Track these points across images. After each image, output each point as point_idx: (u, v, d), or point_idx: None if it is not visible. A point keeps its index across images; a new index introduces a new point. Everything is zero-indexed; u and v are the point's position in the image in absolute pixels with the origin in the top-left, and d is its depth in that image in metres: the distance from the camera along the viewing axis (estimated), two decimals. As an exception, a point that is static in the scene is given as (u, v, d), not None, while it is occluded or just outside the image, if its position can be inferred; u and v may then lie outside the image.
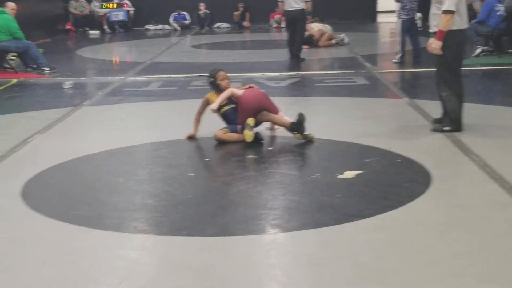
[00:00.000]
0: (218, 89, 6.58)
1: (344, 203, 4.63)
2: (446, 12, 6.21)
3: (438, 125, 6.63)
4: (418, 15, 11.75)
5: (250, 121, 6.22)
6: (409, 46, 11.75)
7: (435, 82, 6.67)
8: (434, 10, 6.41)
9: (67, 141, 6.78)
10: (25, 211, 4.64)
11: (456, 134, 6.39)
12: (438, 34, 6.28)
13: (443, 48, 6.31)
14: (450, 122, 6.54)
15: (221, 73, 6.60)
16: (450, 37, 6.30)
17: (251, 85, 6.83)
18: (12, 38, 12.00)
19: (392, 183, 5.10)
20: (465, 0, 6.48)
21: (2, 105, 9.06)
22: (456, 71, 6.51)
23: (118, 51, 17.13)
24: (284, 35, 18.27)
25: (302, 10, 12.24)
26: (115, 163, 5.90)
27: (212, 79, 6.62)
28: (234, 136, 6.38)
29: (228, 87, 6.55)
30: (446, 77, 6.50)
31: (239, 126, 6.38)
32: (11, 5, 12.38)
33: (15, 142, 6.58)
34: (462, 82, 6.60)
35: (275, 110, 6.51)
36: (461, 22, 6.36)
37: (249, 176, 5.40)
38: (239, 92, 6.49)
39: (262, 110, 6.41)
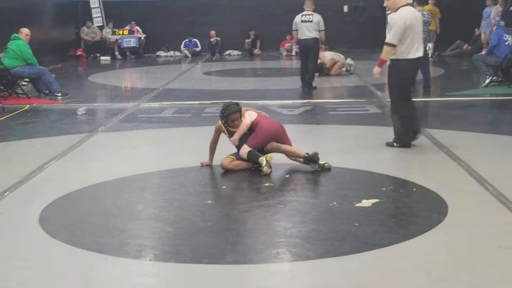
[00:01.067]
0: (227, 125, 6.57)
1: (363, 231, 4.65)
2: (387, 44, 7.02)
3: (391, 142, 7.37)
4: (429, 45, 11.79)
5: (270, 158, 6.26)
6: (418, 76, 11.79)
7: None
8: None
9: (84, 167, 6.85)
10: (44, 238, 4.67)
11: (470, 163, 6.41)
12: (379, 61, 7.15)
13: (390, 75, 7.20)
14: (396, 139, 7.31)
15: (232, 117, 6.42)
16: (394, 66, 7.13)
17: (265, 114, 6.84)
18: (26, 64, 12.15)
19: (409, 212, 5.12)
20: (418, 32, 7.13)
21: (17, 130, 9.12)
22: (401, 96, 7.23)
23: (130, 77, 17.26)
24: (294, 63, 18.49)
25: (315, 39, 12.38)
26: (133, 190, 5.94)
27: (223, 117, 6.49)
28: (241, 164, 6.42)
29: (239, 125, 6.49)
30: (393, 101, 7.36)
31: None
32: (25, 31, 12.51)
33: (31, 168, 6.63)
34: (409, 106, 7.30)
35: (288, 143, 6.56)
36: (406, 53, 7.03)
37: (267, 204, 5.41)
38: (253, 117, 6.51)
39: (275, 141, 6.47)
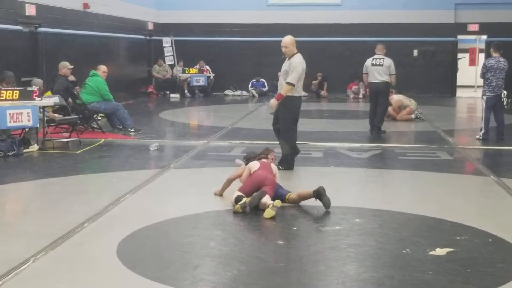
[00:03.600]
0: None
1: (437, 280, 4.59)
2: (288, 83, 8.42)
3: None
4: (504, 92, 11.58)
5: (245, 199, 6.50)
6: (492, 123, 11.61)
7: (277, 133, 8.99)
8: (281, 79, 8.63)
9: (157, 202, 7.00)
10: (122, 270, 4.79)
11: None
12: (278, 96, 8.56)
13: (284, 108, 8.60)
14: (283, 162, 8.63)
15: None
16: (288, 101, 8.52)
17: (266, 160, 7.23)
18: (102, 99, 12.57)
19: (485, 262, 5.02)
20: (303, 78, 8.64)
21: (94, 164, 9.43)
22: (290, 126, 8.73)
23: (199, 116, 17.57)
24: (361, 106, 18.47)
25: (386, 82, 12.41)
26: (205, 227, 6.03)
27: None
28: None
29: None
30: (286, 130, 8.72)
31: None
32: (102, 68, 12.99)
33: (108, 201, 6.83)
34: (293, 135, 8.81)
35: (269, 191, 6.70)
36: (297, 92, 8.58)
37: (338, 247, 5.41)
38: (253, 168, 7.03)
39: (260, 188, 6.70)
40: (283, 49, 8.56)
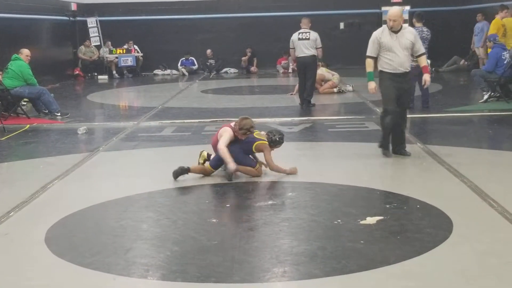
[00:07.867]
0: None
1: (368, 249, 4.66)
2: (424, 54, 8.01)
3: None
4: (428, 61, 11.82)
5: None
6: (417, 92, 11.86)
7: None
8: (404, 53, 7.77)
9: (87, 187, 6.85)
10: (51, 258, 4.67)
11: (472, 179, 6.45)
12: (426, 69, 8.00)
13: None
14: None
15: None
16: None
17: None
18: (26, 84, 12.19)
19: (414, 229, 5.13)
20: None
21: (19, 150, 9.14)
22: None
23: (129, 96, 17.29)
24: (291, 81, 18.54)
25: (313, 56, 12.46)
26: (137, 209, 5.94)
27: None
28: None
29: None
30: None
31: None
32: (25, 51, 12.56)
33: (35, 188, 6.64)
34: None
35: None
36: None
37: (271, 222, 5.42)
38: None
39: None
40: (392, 23, 7.71)
